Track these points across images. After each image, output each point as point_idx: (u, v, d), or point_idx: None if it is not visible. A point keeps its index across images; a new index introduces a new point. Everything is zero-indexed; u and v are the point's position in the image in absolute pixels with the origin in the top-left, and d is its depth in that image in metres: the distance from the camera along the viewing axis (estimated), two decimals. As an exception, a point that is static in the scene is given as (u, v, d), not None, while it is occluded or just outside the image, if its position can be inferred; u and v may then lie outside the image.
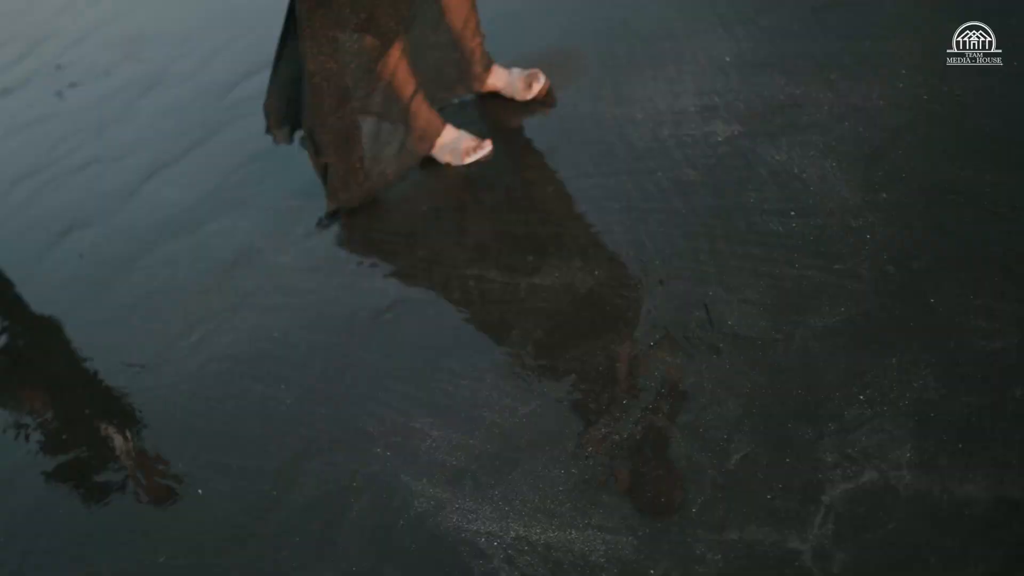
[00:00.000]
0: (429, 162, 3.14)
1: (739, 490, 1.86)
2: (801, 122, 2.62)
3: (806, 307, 2.13)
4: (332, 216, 3.11)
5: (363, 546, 2.06)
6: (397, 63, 2.91)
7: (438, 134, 3.07)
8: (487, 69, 3.24)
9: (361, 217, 3.06)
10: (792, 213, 2.37)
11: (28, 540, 2.42)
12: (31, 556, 2.37)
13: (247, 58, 4.49)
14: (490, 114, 3.24)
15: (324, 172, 3.06)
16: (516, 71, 3.24)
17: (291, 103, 3.12)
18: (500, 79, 3.25)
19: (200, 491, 2.36)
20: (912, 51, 2.71)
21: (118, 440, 2.63)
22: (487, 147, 3.07)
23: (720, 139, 2.68)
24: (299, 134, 3.20)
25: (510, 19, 3.71)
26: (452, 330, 2.49)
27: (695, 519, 1.85)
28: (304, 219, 3.18)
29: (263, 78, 4.11)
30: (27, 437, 2.77)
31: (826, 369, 1.99)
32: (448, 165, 3.08)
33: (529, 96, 3.19)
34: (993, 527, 1.66)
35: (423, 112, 3.03)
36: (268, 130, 3.24)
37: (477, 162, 3.05)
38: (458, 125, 3.17)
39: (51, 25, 6.33)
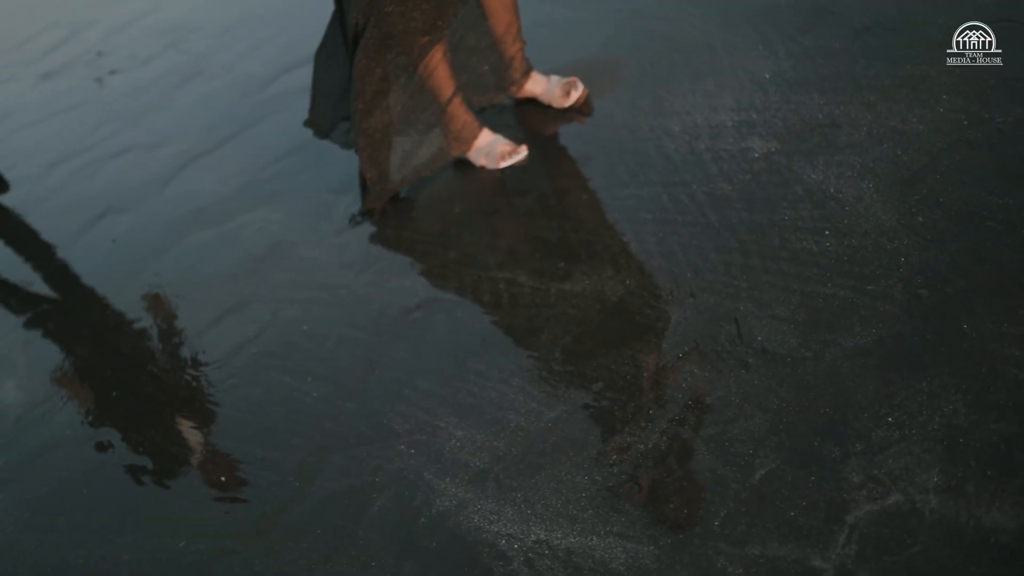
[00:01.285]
0: (464, 164, 3.15)
1: (763, 505, 1.86)
2: (839, 142, 2.62)
3: (837, 326, 2.13)
4: (365, 213, 3.13)
5: (384, 542, 2.07)
6: (438, 64, 2.93)
7: (475, 137, 3.08)
8: (526, 75, 3.25)
9: (394, 216, 3.07)
10: (826, 232, 2.36)
11: (50, 518, 2.45)
12: (52, 534, 2.40)
13: (288, 54, 4.53)
14: (527, 120, 3.26)
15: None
16: (555, 78, 3.25)
17: (337, 104, 3.14)
18: (538, 85, 3.26)
19: (223, 479, 2.38)
20: (953, 76, 2.70)
21: (143, 425, 2.66)
22: (523, 152, 3.08)
23: (756, 155, 2.68)
24: (343, 127, 3.22)
25: (551, 27, 3.73)
26: (480, 332, 2.50)
27: (717, 532, 1.85)
28: (337, 215, 3.20)
29: (302, 74, 4.15)
30: (54, 418, 2.79)
31: (855, 389, 1.98)
32: (483, 168, 3.10)
33: (567, 104, 3.20)
34: (1019, 557, 1.66)
35: (460, 114, 3.05)
36: (308, 123, 3.27)
37: (512, 167, 3.06)
38: (495, 129, 3.18)
39: (94, 12, 6.40)
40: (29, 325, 3.28)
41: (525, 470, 2.10)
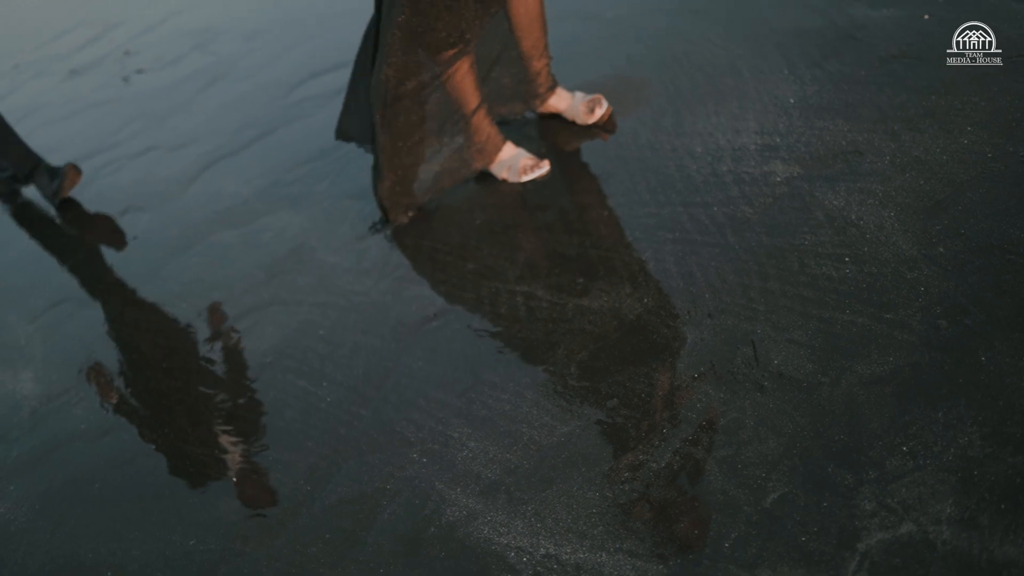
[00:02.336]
0: (485, 177, 3.17)
1: (774, 529, 1.86)
2: (862, 169, 2.62)
3: (854, 353, 2.13)
4: (386, 222, 3.15)
5: (392, 549, 2.08)
6: (464, 76, 2.95)
7: (498, 150, 3.10)
8: (551, 90, 3.27)
9: (414, 225, 3.09)
10: (846, 259, 2.36)
11: (63, 511, 2.46)
12: (64, 526, 2.41)
13: (314, 59, 4.56)
14: (550, 135, 3.27)
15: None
16: (579, 95, 3.27)
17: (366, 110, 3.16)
18: (563, 101, 3.28)
19: (235, 480, 2.39)
20: (979, 108, 2.71)
21: (157, 423, 2.67)
22: (545, 167, 3.09)
23: (779, 179, 2.69)
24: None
25: (577, 44, 3.75)
26: (496, 344, 2.51)
27: (727, 554, 1.85)
28: (358, 222, 3.21)
29: (328, 80, 4.18)
30: (69, 411, 2.81)
31: (870, 417, 1.98)
32: (504, 181, 3.11)
33: (590, 120, 3.22)
34: (1030, 591, 1.65)
35: (484, 127, 3.07)
36: (339, 132, 3.30)
37: (533, 181, 3.08)
38: (517, 143, 3.19)
39: (124, 12, 6.46)
40: (48, 318, 3.31)
41: (536, 484, 2.11)
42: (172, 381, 2.81)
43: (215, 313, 3.02)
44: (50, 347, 3.15)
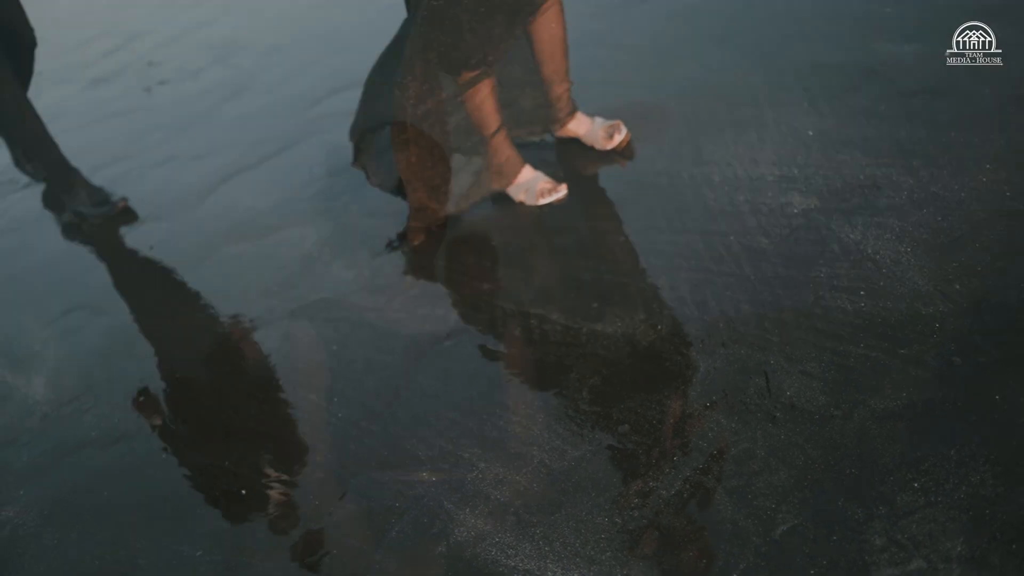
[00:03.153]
0: (503, 199, 3.18)
1: (783, 561, 1.85)
2: (879, 204, 2.63)
3: (867, 387, 2.12)
4: (401, 239, 3.16)
5: (399, 568, 2.08)
6: (485, 98, 2.97)
7: (516, 172, 3.12)
8: (570, 115, 3.29)
9: (429, 244, 3.10)
10: (861, 292, 2.37)
11: (70, 517, 2.47)
12: (72, 533, 2.42)
13: (335, 76, 4.60)
14: (568, 159, 3.29)
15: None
16: (599, 120, 3.28)
17: (378, 129, 3.18)
18: (582, 126, 3.29)
19: (244, 492, 2.39)
20: (998, 145, 2.71)
21: (168, 433, 2.68)
22: (562, 191, 3.10)
23: (795, 211, 2.70)
24: (381, 162, 3.26)
25: (598, 70, 3.77)
26: (509, 366, 2.51)
27: (735, 585, 1.84)
28: (373, 239, 3.23)
29: (349, 96, 4.20)
30: (80, 418, 2.82)
31: (882, 452, 1.98)
32: (522, 204, 3.12)
33: (609, 146, 3.23)
34: (1040, 633, 1.64)
35: (504, 149, 3.08)
36: (354, 161, 3.32)
37: (550, 204, 3.09)
38: (536, 166, 3.21)
39: (147, 23, 6.52)
40: (62, 324, 3.33)
41: (546, 507, 2.10)
42: (183, 392, 2.82)
43: (228, 324, 3.04)
44: (64, 352, 3.17)
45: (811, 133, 3.00)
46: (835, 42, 3.46)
